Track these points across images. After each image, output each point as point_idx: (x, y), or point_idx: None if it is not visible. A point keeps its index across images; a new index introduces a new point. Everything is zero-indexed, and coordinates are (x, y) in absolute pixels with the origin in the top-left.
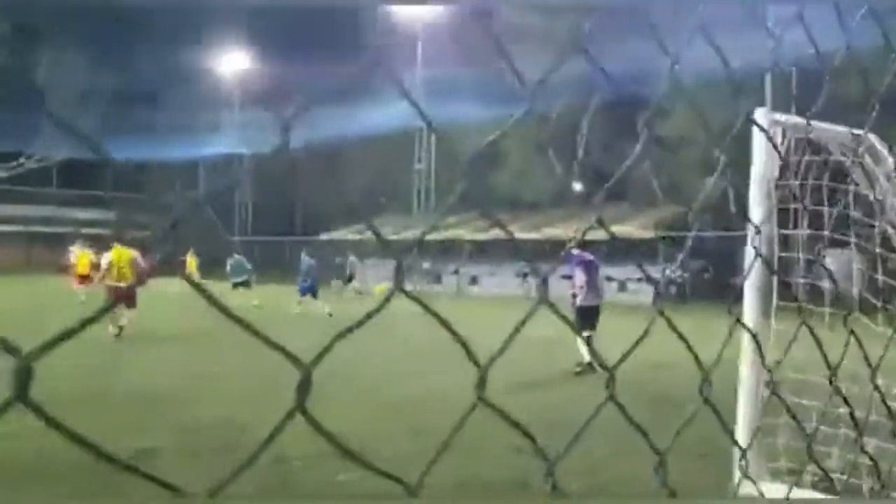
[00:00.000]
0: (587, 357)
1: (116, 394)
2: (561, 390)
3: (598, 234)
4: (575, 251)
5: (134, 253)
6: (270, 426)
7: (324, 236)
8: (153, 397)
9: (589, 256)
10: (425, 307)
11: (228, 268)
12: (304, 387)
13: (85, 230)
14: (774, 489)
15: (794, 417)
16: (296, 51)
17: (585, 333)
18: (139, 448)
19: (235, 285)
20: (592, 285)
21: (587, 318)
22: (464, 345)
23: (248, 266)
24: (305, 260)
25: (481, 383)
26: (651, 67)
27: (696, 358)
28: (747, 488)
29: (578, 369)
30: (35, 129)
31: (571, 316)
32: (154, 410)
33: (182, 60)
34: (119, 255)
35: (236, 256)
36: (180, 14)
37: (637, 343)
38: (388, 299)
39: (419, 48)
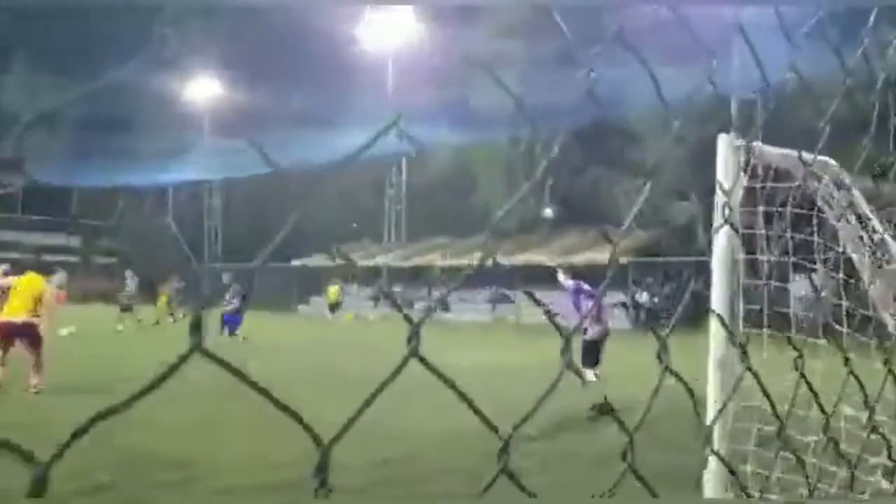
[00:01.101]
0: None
1: None
2: (579, 440)
3: (572, 261)
4: (570, 281)
5: (48, 285)
6: None
7: (295, 262)
8: None
9: (586, 286)
10: (442, 378)
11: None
12: (322, 466)
13: (51, 257)
14: None
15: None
16: (267, 77)
17: (591, 372)
18: None
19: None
20: (598, 316)
21: (592, 352)
22: (478, 412)
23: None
24: (234, 287)
25: (503, 451)
26: (620, 93)
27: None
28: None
29: (591, 413)
30: None
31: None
32: None
33: (152, 86)
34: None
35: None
36: (150, 39)
37: (654, 395)
38: (403, 364)
39: (389, 74)
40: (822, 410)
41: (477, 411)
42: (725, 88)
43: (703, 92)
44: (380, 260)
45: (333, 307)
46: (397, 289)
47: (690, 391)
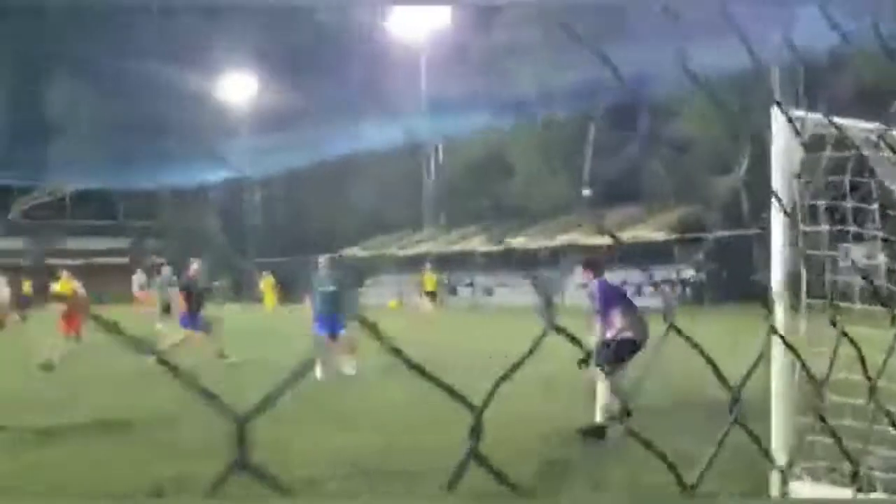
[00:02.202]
0: (601, 409)
1: None
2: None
3: (611, 240)
4: (594, 280)
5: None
6: None
7: (335, 254)
8: None
9: (616, 284)
10: (408, 362)
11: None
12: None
13: (101, 260)
14: (811, 489)
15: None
16: (300, 72)
17: (608, 375)
18: None
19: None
20: (633, 320)
21: (619, 355)
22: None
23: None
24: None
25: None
26: (658, 69)
27: (720, 375)
28: (781, 491)
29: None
30: (48, 162)
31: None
32: None
33: (189, 86)
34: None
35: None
36: (187, 41)
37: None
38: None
39: (422, 63)
40: (867, 377)
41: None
42: (766, 59)
43: (743, 63)
44: (421, 248)
45: (431, 295)
46: (442, 277)
47: (712, 362)
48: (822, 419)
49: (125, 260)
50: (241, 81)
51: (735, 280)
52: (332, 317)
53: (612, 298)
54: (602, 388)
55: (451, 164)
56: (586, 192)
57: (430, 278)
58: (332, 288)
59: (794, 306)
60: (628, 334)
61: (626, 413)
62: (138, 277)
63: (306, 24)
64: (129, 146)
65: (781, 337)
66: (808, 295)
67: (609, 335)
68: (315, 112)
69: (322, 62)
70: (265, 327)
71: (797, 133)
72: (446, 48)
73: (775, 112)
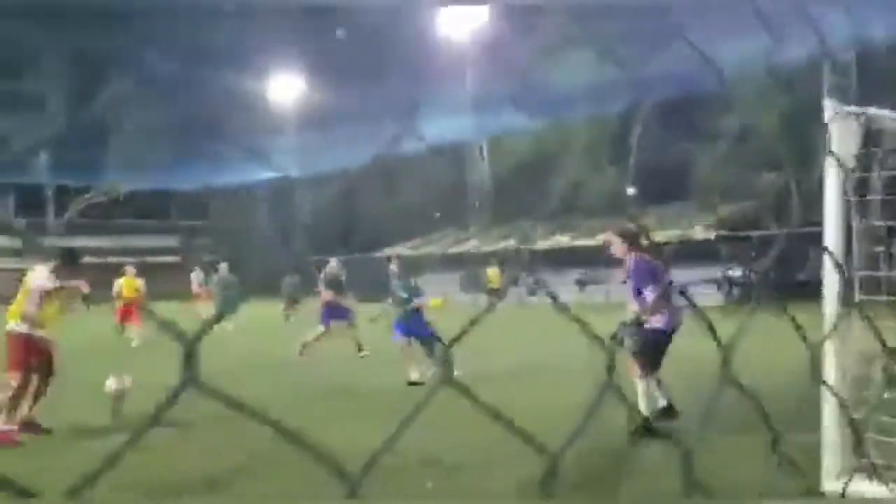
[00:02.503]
0: (644, 408)
1: None
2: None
3: (663, 236)
4: (630, 253)
5: None
6: None
7: (381, 253)
8: None
9: (651, 260)
10: (473, 399)
11: (213, 284)
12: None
13: (152, 258)
14: (863, 486)
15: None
16: (346, 72)
17: (644, 374)
18: None
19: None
20: (665, 301)
21: (656, 348)
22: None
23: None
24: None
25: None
26: (700, 66)
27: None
28: (834, 486)
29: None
30: (102, 162)
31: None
32: None
33: (238, 88)
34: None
35: (224, 274)
36: (235, 43)
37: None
38: (433, 391)
39: (467, 62)
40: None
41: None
42: (816, 54)
43: (793, 59)
44: (467, 246)
45: (494, 292)
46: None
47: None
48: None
49: (177, 258)
50: (289, 82)
51: (784, 279)
52: (411, 322)
53: (646, 275)
54: (641, 386)
55: (496, 163)
56: (631, 190)
57: (494, 273)
58: (404, 295)
59: (846, 303)
60: (659, 324)
61: (670, 414)
62: (197, 275)
63: (352, 25)
64: (181, 147)
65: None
66: (862, 291)
67: (651, 323)
68: (360, 112)
69: (367, 61)
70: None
71: (842, 129)
72: (491, 47)
73: (828, 106)
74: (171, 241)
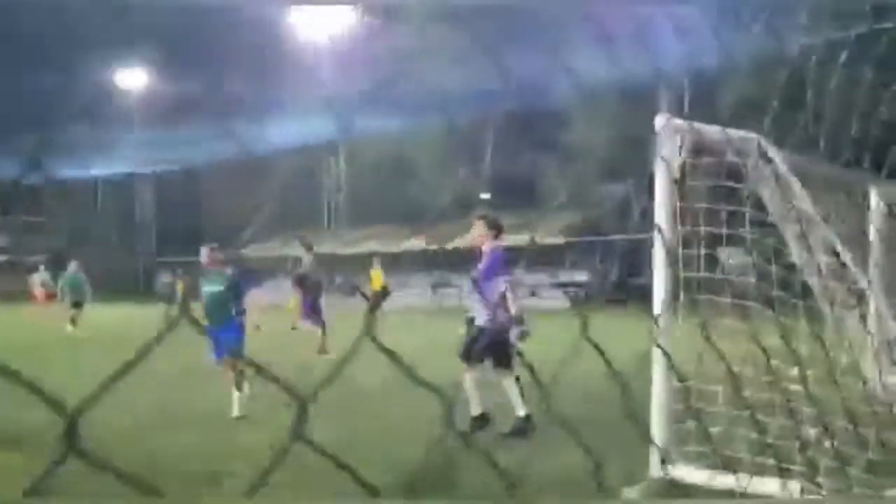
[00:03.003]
0: (475, 407)
1: None
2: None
3: (509, 241)
4: (493, 242)
5: None
6: None
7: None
8: None
9: (506, 254)
10: (394, 358)
11: (61, 283)
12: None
13: None
14: (687, 472)
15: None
16: (198, 67)
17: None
18: None
19: (75, 304)
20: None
21: (481, 343)
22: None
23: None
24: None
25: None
26: (549, 77)
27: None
28: (660, 473)
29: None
30: None
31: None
32: None
33: (79, 77)
34: None
35: (73, 272)
36: (76, 29)
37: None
38: (354, 350)
39: (323, 62)
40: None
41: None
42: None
43: (633, 75)
44: (323, 248)
45: (381, 294)
46: (339, 277)
47: (609, 363)
48: (694, 413)
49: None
50: (135, 74)
51: (621, 282)
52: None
53: (502, 265)
54: (469, 381)
55: (352, 165)
56: (485, 195)
57: (377, 275)
58: (219, 288)
59: (672, 305)
60: (504, 320)
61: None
62: (40, 275)
63: (206, 18)
64: (11, 136)
65: (660, 346)
66: (687, 291)
67: (485, 315)
68: (213, 108)
69: (218, 58)
70: None
71: (671, 142)
72: (351, 48)
73: (659, 120)
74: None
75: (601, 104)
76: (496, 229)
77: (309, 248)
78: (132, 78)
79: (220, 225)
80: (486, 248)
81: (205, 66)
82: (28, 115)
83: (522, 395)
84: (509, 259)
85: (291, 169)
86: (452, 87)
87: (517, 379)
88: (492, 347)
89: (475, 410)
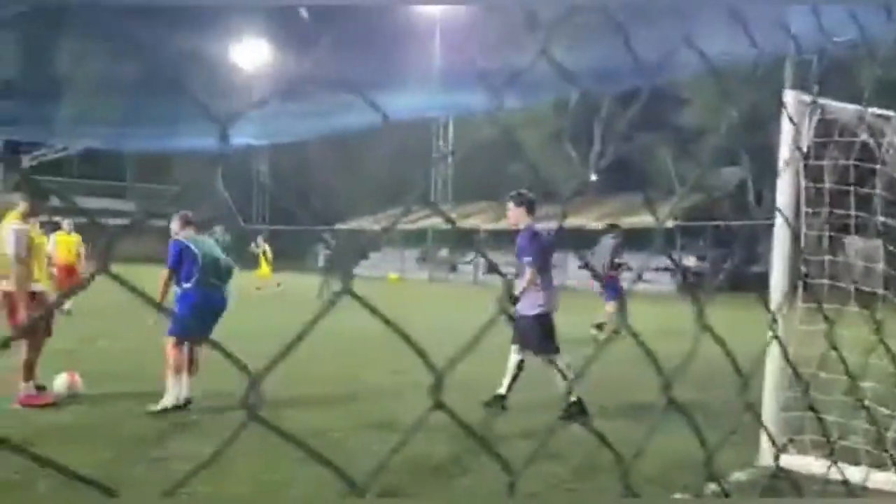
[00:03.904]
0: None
1: None
2: None
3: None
4: (522, 223)
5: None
6: None
7: (341, 226)
8: None
9: (540, 232)
10: (373, 310)
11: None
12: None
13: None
14: (798, 461)
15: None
16: (315, 42)
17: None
18: None
19: None
20: (545, 284)
21: (532, 330)
22: (419, 351)
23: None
24: None
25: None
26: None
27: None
28: (770, 461)
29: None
30: (56, 119)
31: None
32: None
33: (201, 51)
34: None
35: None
36: (201, 4)
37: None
38: (332, 304)
39: (437, 37)
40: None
41: (417, 350)
42: (780, 49)
43: (755, 54)
44: (425, 223)
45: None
46: (444, 252)
47: (728, 351)
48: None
49: (129, 221)
50: (254, 47)
51: (737, 269)
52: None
53: (528, 244)
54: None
55: (460, 141)
56: (593, 176)
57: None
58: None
59: (792, 292)
60: (541, 308)
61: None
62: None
63: None
64: (139, 107)
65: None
66: (809, 277)
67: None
68: (326, 82)
69: (336, 32)
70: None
71: (799, 120)
72: (462, 23)
73: (786, 98)
74: (126, 206)
75: (723, 82)
76: (525, 206)
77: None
78: (251, 51)
79: (329, 197)
80: (520, 226)
81: (320, 40)
82: (153, 87)
83: (565, 379)
84: (547, 238)
85: (400, 143)
86: (566, 65)
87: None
88: (524, 331)
89: (500, 390)
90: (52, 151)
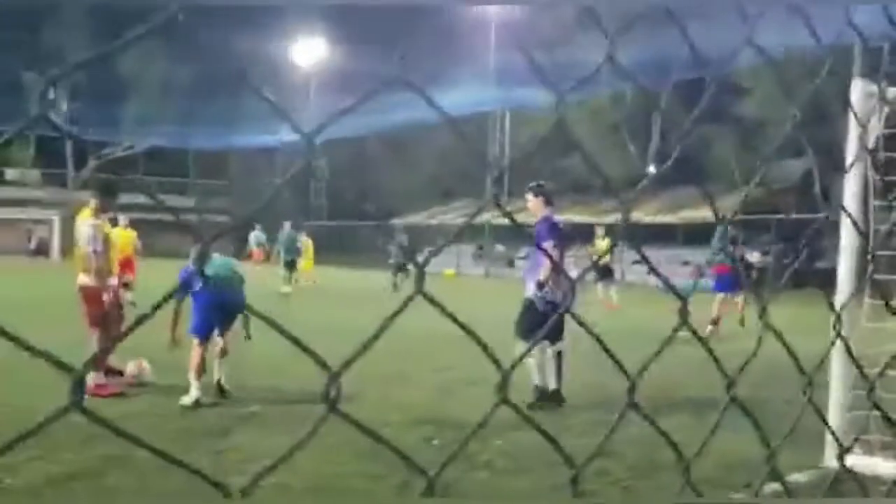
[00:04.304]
0: (536, 379)
1: None
2: None
3: (675, 218)
4: (540, 213)
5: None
6: None
7: (396, 221)
8: None
9: (559, 222)
10: (445, 312)
11: (277, 244)
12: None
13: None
14: (864, 462)
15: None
16: (370, 38)
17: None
18: None
19: (288, 264)
20: (559, 278)
21: (536, 319)
22: (484, 347)
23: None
24: None
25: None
26: (728, 46)
27: (796, 360)
28: (834, 462)
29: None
30: (121, 119)
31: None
32: None
33: (260, 49)
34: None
35: (288, 231)
36: (258, 4)
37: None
38: (406, 303)
39: (492, 32)
40: None
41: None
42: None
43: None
44: (483, 218)
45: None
46: (500, 247)
47: (790, 349)
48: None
49: (188, 218)
50: (311, 45)
51: (802, 265)
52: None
53: (548, 232)
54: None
55: (517, 136)
56: (651, 169)
57: (603, 244)
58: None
59: (859, 290)
60: (555, 296)
61: (547, 395)
62: (257, 235)
63: None
64: (200, 107)
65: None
66: (877, 272)
67: (531, 288)
68: (382, 78)
69: (391, 29)
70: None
71: (867, 109)
72: (516, 18)
73: (854, 86)
74: (187, 202)
75: (786, 72)
76: (542, 197)
77: None
78: (308, 50)
79: (385, 193)
80: (538, 216)
81: (376, 37)
82: (217, 86)
83: (559, 371)
84: (565, 230)
85: (456, 138)
86: (621, 57)
87: (559, 354)
88: (539, 321)
89: (550, 386)
90: (119, 150)
